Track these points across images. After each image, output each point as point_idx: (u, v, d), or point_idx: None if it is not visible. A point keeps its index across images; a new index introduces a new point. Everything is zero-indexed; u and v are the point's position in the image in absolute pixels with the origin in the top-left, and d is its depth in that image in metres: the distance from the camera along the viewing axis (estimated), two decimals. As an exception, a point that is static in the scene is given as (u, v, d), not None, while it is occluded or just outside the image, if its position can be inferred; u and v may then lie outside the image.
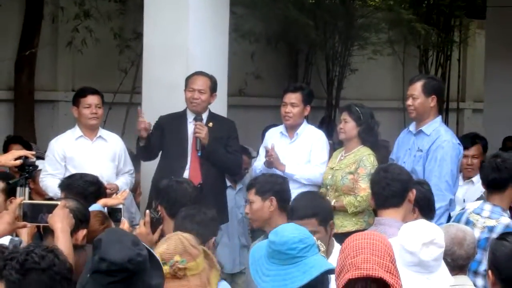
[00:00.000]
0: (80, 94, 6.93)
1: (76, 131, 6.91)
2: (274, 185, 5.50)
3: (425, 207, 5.12)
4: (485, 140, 7.73)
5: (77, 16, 10.14)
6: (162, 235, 4.96)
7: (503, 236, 3.89)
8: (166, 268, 3.48)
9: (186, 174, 6.66)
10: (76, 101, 6.89)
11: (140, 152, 6.92)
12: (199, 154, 6.73)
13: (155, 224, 4.92)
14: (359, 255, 3.10)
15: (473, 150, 7.37)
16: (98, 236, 3.48)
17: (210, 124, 6.81)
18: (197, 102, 6.80)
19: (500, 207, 5.32)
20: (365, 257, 3.10)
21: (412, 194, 4.85)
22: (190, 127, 6.84)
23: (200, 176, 6.72)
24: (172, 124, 6.90)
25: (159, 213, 5.00)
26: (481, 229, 5.17)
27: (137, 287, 3.29)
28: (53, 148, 6.86)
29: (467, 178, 7.33)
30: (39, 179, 6.74)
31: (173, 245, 3.56)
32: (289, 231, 3.66)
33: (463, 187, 7.19)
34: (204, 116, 6.88)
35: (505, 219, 5.25)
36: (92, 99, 6.82)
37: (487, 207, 5.36)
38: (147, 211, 5.00)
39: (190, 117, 6.89)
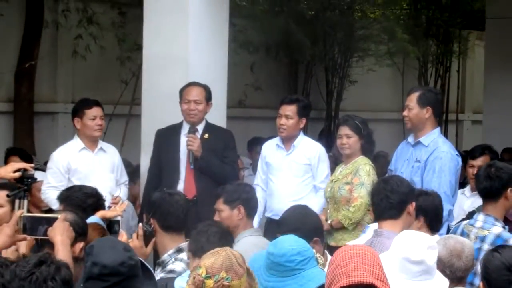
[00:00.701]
0: (84, 106, 6.88)
1: (77, 142, 6.88)
2: (241, 194, 5.58)
3: (433, 218, 5.16)
4: (496, 154, 7.65)
5: (80, 23, 10.15)
6: (155, 248, 4.98)
7: (496, 248, 3.91)
8: (210, 282, 3.43)
9: (180, 188, 6.66)
10: (79, 113, 6.84)
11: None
12: (191, 166, 6.73)
13: (148, 237, 4.93)
14: (350, 264, 3.15)
15: (480, 161, 7.27)
16: (90, 243, 3.52)
17: (206, 135, 6.80)
18: (194, 113, 6.80)
19: (492, 217, 5.31)
20: (355, 265, 3.15)
21: (412, 207, 4.84)
22: (184, 139, 6.85)
23: (195, 189, 6.73)
24: (166, 137, 6.91)
25: (152, 226, 5.00)
26: (474, 240, 5.16)
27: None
28: (57, 160, 6.82)
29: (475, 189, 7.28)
30: (41, 191, 6.73)
31: (220, 260, 3.50)
32: (288, 243, 3.67)
33: (470, 198, 7.17)
34: (201, 127, 6.88)
35: (496, 229, 5.24)
36: (97, 111, 6.82)
37: (480, 217, 5.37)
38: (140, 224, 5.02)
39: (186, 129, 6.89)
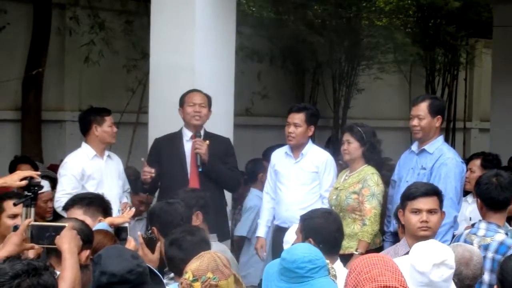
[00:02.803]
0: (104, 112, 6.99)
1: (88, 150, 6.94)
2: (199, 200, 5.64)
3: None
4: (491, 160, 7.63)
5: (92, 28, 10.19)
6: (161, 254, 5.00)
7: None
8: (197, 285, 3.48)
9: None
10: (99, 119, 6.91)
11: (143, 189, 6.94)
12: (200, 170, 6.75)
13: (151, 244, 4.94)
14: (374, 269, 3.19)
15: (471, 164, 7.34)
16: (97, 253, 3.52)
17: (207, 142, 6.81)
18: (200, 115, 6.83)
19: (495, 224, 5.27)
20: (379, 271, 3.19)
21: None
22: (187, 145, 6.88)
23: None
24: (168, 145, 6.94)
25: (151, 232, 5.02)
26: (477, 249, 5.13)
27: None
28: (71, 167, 6.86)
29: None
30: (55, 199, 6.79)
31: (206, 262, 3.56)
32: (301, 251, 3.70)
33: (471, 205, 7.16)
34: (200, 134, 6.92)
35: (499, 236, 5.21)
36: (112, 119, 6.99)
37: (483, 225, 5.32)
38: (139, 232, 5.06)
39: (187, 135, 6.93)
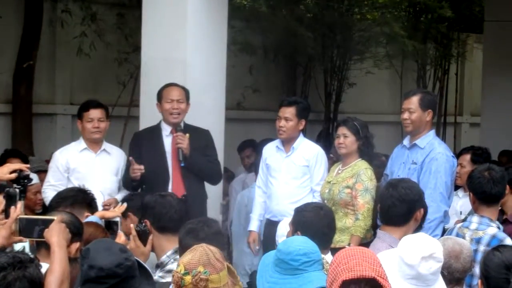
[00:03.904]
0: (83, 108, 6.95)
1: (80, 143, 6.94)
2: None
3: None
4: (481, 154, 7.63)
5: (84, 20, 10.18)
6: (154, 251, 5.00)
7: (497, 247, 3.94)
8: (188, 278, 3.48)
9: (169, 188, 6.68)
10: (80, 115, 6.93)
11: (129, 186, 6.86)
12: (182, 164, 6.73)
13: (143, 236, 4.94)
14: (351, 260, 3.22)
15: (461, 159, 7.31)
16: (85, 246, 3.53)
17: (187, 135, 6.80)
18: (177, 111, 6.81)
19: (487, 218, 5.29)
20: (357, 261, 3.22)
21: (420, 214, 4.82)
22: (167, 140, 6.86)
23: (184, 188, 6.73)
24: (148, 140, 6.90)
25: (144, 225, 5.02)
26: (470, 242, 5.15)
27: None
28: (57, 159, 6.90)
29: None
30: (41, 190, 6.80)
31: (197, 256, 3.55)
32: (297, 243, 3.75)
33: (462, 199, 7.18)
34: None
35: (491, 230, 5.23)
36: (94, 113, 6.85)
37: (475, 219, 5.34)
38: (132, 225, 5.05)
39: (166, 130, 6.89)
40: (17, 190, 4.72)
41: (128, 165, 6.78)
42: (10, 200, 4.55)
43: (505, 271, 3.69)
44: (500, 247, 3.91)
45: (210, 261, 3.53)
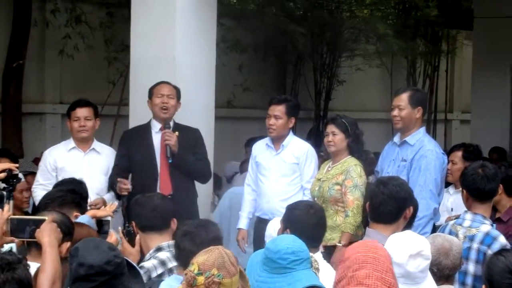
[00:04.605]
0: (70, 108, 6.96)
1: (70, 142, 6.94)
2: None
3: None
4: (472, 151, 7.63)
5: (68, 22, 10.15)
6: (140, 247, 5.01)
7: (501, 251, 3.91)
8: (201, 279, 3.43)
9: (157, 185, 6.68)
10: (68, 114, 6.94)
11: (114, 192, 6.76)
12: (170, 161, 6.72)
13: (130, 237, 4.97)
14: (362, 269, 3.15)
15: (452, 156, 7.26)
16: (74, 245, 3.52)
17: (177, 133, 6.78)
18: (167, 106, 6.79)
19: (481, 215, 5.28)
20: (367, 272, 3.15)
21: (409, 212, 4.81)
22: (156, 137, 6.84)
23: (171, 186, 6.71)
24: (137, 137, 6.89)
25: (129, 226, 5.04)
26: (463, 239, 5.15)
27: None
28: (46, 158, 6.93)
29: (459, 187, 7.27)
30: (31, 189, 6.82)
31: (213, 258, 3.48)
32: (285, 242, 3.72)
33: (453, 196, 7.19)
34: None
35: (485, 227, 5.22)
36: (80, 112, 6.84)
37: (468, 216, 5.33)
38: (119, 228, 5.07)
39: (156, 127, 6.88)
40: (5, 193, 4.71)
41: (114, 166, 6.77)
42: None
43: (509, 275, 3.66)
44: (503, 251, 3.88)
45: (225, 265, 3.48)
